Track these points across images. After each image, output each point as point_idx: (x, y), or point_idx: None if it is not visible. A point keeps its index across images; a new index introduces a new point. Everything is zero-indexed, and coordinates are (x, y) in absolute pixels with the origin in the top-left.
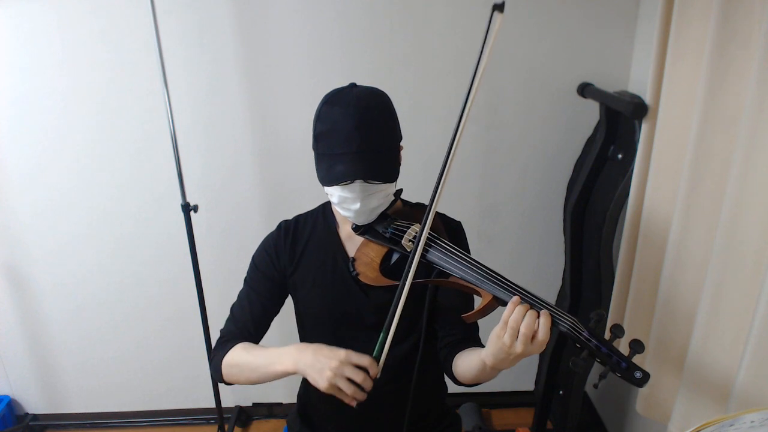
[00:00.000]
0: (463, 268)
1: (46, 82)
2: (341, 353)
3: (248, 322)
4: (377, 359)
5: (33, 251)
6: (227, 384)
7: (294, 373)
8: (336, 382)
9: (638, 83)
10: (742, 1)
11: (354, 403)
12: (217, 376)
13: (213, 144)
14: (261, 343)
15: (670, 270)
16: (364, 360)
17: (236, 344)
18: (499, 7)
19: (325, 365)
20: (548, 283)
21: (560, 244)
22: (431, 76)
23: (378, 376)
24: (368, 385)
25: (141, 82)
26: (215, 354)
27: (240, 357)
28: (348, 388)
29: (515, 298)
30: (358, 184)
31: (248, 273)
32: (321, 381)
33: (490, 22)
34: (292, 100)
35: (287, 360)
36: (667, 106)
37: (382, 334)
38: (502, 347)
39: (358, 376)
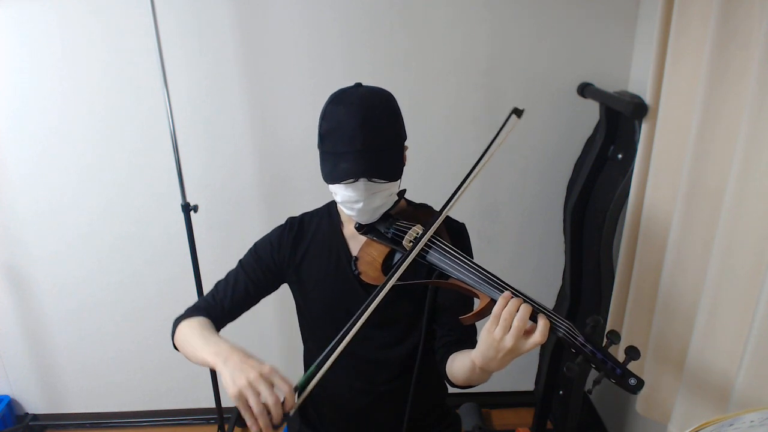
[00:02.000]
0: (462, 271)
1: (46, 82)
2: (265, 367)
3: (227, 299)
4: (300, 390)
5: (33, 251)
6: (177, 349)
7: (213, 368)
8: (246, 392)
9: (638, 83)
10: (742, 1)
11: (254, 430)
12: (171, 336)
13: (213, 144)
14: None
15: (670, 270)
16: (284, 385)
17: (201, 316)
18: (518, 113)
19: (244, 372)
20: (548, 283)
21: (560, 244)
22: (431, 76)
23: (292, 412)
24: (277, 414)
25: (141, 82)
26: (180, 316)
27: (190, 329)
28: (255, 405)
29: (506, 293)
30: (361, 183)
31: (245, 256)
32: (231, 386)
33: (506, 121)
34: (292, 99)
35: (211, 351)
36: (667, 106)
37: (313, 367)
38: (492, 342)
39: (270, 398)
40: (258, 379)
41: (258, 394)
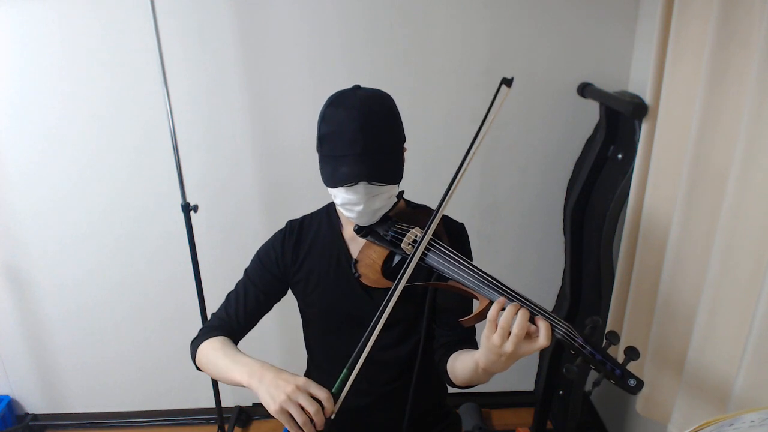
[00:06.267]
0: (461, 273)
1: (46, 82)
2: (300, 379)
3: (240, 312)
4: (336, 396)
5: (33, 251)
6: (199, 369)
7: (247, 387)
8: (287, 407)
9: (638, 83)
10: (742, 1)
11: None
12: (192, 358)
13: (213, 144)
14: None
15: (670, 270)
16: (321, 393)
17: (219, 335)
18: (507, 82)
19: (281, 388)
20: (548, 283)
21: (560, 244)
22: (431, 75)
23: (333, 416)
24: (320, 420)
25: (141, 82)
26: (198, 337)
27: (213, 350)
28: (299, 416)
29: (501, 298)
30: (362, 186)
31: (250, 265)
32: (272, 404)
33: (496, 93)
34: (292, 100)
35: (244, 372)
36: (667, 106)
37: (345, 371)
38: (493, 348)
39: (311, 407)
40: (296, 391)
41: (299, 406)
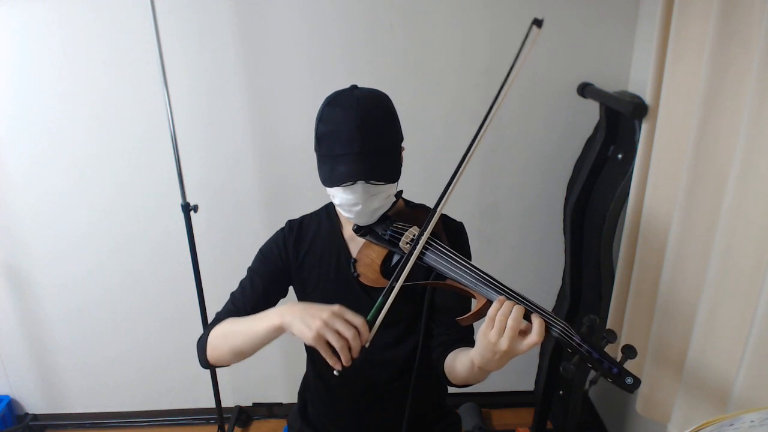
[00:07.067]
0: (459, 272)
1: (46, 82)
2: (335, 306)
3: (248, 302)
4: (371, 323)
5: (33, 251)
6: (210, 366)
7: (280, 330)
8: (324, 332)
9: (638, 83)
10: (741, 1)
11: (338, 366)
12: (201, 355)
13: (213, 144)
14: None
15: (669, 270)
16: (357, 319)
17: (225, 320)
18: (538, 23)
19: (316, 316)
20: (548, 283)
21: (560, 244)
22: (431, 76)
23: (368, 344)
24: (357, 345)
25: (141, 82)
26: (203, 335)
27: (225, 326)
28: (337, 341)
29: (501, 297)
30: (360, 185)
31: (253, 262)
32: (308, 331)
33: (527, 35)
34: (292, 100)
35: (273, 316)
36: (667, 106)
37: (380, 299)
38: (488, 345)
39: (349, 332)
40: (332, 317)
41: (336, 332)
